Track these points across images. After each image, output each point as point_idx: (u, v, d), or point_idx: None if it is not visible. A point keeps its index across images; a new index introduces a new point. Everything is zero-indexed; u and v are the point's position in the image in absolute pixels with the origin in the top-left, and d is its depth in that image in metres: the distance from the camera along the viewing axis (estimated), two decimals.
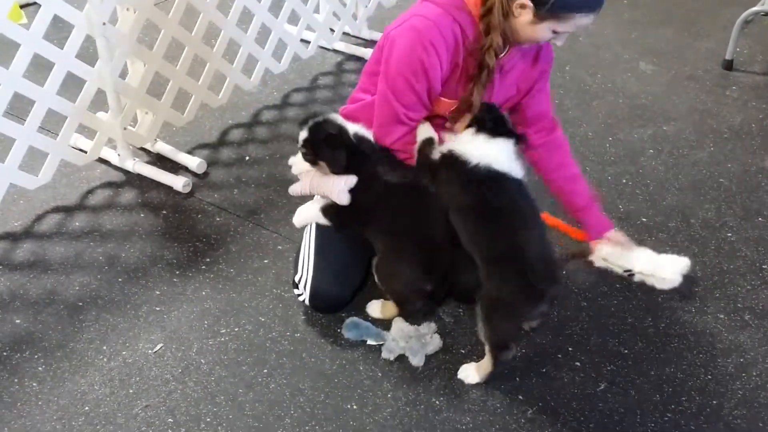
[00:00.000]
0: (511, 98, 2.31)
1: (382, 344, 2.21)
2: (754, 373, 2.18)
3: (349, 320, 2.26)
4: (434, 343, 2.20)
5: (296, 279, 2.35)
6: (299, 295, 2.35)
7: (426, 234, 2.17)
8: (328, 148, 2.12)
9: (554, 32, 2.03)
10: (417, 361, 2.16)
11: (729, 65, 3.77)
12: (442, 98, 2.18)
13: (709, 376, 2.17)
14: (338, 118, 2.19)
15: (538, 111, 2.37)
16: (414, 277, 2.21)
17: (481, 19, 2.06)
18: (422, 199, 2.15)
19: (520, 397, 2.10)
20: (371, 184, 2.15)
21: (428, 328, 2.24)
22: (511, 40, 2.11)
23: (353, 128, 2.17)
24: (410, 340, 2.19)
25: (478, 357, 2.18)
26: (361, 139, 2.16)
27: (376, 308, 2.31)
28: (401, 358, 2.19)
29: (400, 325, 2.24)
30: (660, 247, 2.61)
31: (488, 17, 2.04)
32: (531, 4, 1.98)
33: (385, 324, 2.27)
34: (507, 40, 2.10)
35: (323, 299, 2.29)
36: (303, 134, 2.15)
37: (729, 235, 2.70)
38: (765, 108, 3.45)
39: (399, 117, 2.14)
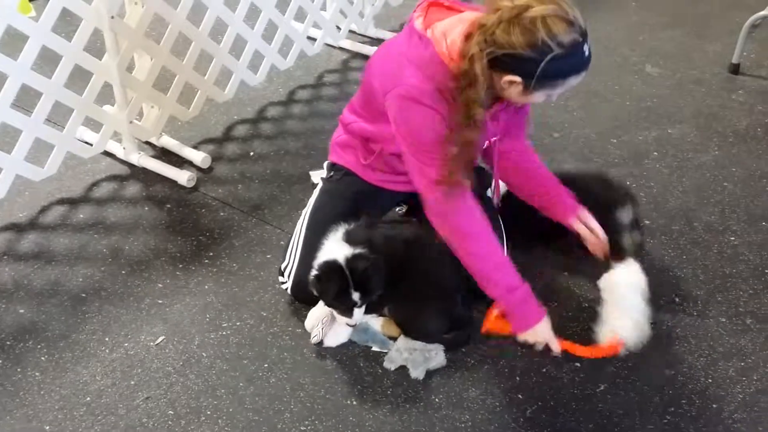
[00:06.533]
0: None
1: (386, 352, 2.21)
2: (755, 378, 2.17)
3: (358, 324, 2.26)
4: (438, 359, 2.17)
5: (282, 267, 2.36)
6: (283, 283, 2.36)
7: (438, 279, 2.19)
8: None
9: (549, 95, 2.01)
10: (417, 373, 2.14)
11: (736, 69, 3.76)
12: None
13: (710, 380, 2.17)
14: (332, 259, 2.11)
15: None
16: (438, 328, 2.22)
17: (461, 92, 1.99)
18: (425, 247, 2.17)
19: (520, 396, 2.11)
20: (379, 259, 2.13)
21: (435, 344, 2.22)
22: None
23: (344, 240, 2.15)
24: (414, 352, 2.17)
25: (477, 360, 2.19)
26: (353, 234, 2.16)
27: (377, 324, 2.27)
28: None
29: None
30: (663, 250, 2.61)
31: (468, 92, 1.97)
32: (520, 79, 1.94)
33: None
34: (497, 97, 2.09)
35: (306, 290, 2.27)
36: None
37: (732, 239, 2.69)
38: None
39: (436, 178, 2.10)
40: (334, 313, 2.18)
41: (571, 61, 1.92)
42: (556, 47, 1.87)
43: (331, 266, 2.09)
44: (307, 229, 2.34)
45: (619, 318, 2.18)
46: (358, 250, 2.10)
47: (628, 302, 2.19)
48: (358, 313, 2.12)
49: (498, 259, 2.16)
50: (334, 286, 2.08)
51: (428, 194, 2.14)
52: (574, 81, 1.97)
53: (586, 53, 1.92)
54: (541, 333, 2.14)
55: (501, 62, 1.93)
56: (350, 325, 2.16)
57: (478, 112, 2.01)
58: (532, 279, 2.45)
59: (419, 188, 2.15)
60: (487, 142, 2.27)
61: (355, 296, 2.08)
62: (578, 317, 2.35)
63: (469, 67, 1.94)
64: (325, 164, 2.52)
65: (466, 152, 2.08)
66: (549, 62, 1.88)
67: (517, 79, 1.94)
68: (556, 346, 2.15)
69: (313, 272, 2.13)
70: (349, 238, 2.15)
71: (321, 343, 2.22)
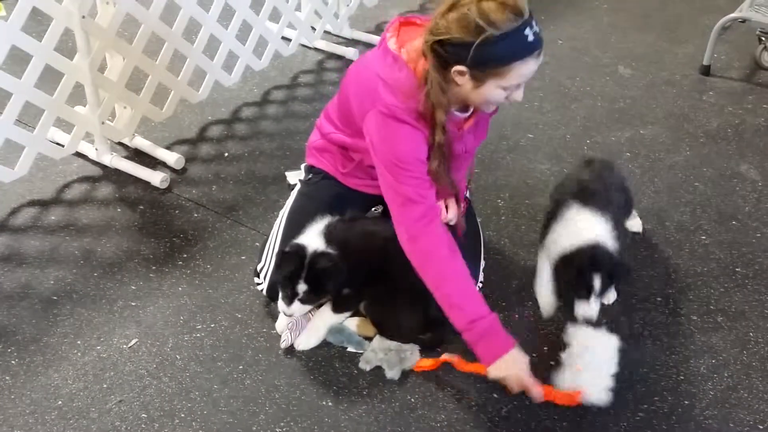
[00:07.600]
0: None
1: (361, 353, 2.20)
2: (726, 375, 2.20)
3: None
4: (413, 359, 2.17)
5: (258, 268, 2.35)
6: (259, 284, 2.36)
7: (414, 279, 2.17)
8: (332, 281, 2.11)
9: (504, 89, 1.96)
10: (393, 374, 2.14)
11: (706, 71, 3.80)
12: None
13: (682, 377, 2.19)
14: (305, 245, 2.13)
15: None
16: (413, 327, 2.22)
17: (426, 98, 1.99)
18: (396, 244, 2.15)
19: (495, 395, 2.11)
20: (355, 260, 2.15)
21: (410, 344, 2.22)
22: (472, 106, 2.13)
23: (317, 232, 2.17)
24: (389, 352, 2.17)
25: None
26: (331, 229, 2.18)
27: (352, 324, 2.27)
28: None
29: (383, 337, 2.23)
30: (635, 250, 2.63)
31: (430, 97, 1.98)
32: (465, 68, 1.92)
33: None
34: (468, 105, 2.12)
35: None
36: (302, 286, 2.09)
37: (703, 238, 2.72)
38: (741, 113, 3.49)
39: (411, 197, 2.07)
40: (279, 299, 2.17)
41: (509, 44, 1.88)
42: (488, 28, 1.85)
43: (297, 250, 2.10)
44: (284, 230, 2.33)
45: (583, 371, 2.09)
46: (329, 250, 2.11)
47: (594, 357, 2.12)
48: (298, 306, 2.11)
49: (466, 286, 2.10)
50: (288, 268, 2.09)
51: (402, 213, 2.09)
52: (522, 68, 1.92)
53: (530, 38, 1.88)
54: (510, 366, 2.02)
55: (443, 55, 1.93)
56: (286, 314, 2.15)
57: (439, 135, 2.02)
58: (504, 286, 2.48)
59: (392, 207, 2.11)
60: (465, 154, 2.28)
61: (301, 287, 2.08)
62: (549, 324, 2.36)
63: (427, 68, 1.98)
64: (303, 166, 2.51)
65: (441, 165, 2.08)
66: (485, 44, 1.86)
67: (462, 68, 1.93)
68: (531, 382, 2.02)
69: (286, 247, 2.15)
70: (327, 233, 2.15)
71: (291, 347, 2.21)
